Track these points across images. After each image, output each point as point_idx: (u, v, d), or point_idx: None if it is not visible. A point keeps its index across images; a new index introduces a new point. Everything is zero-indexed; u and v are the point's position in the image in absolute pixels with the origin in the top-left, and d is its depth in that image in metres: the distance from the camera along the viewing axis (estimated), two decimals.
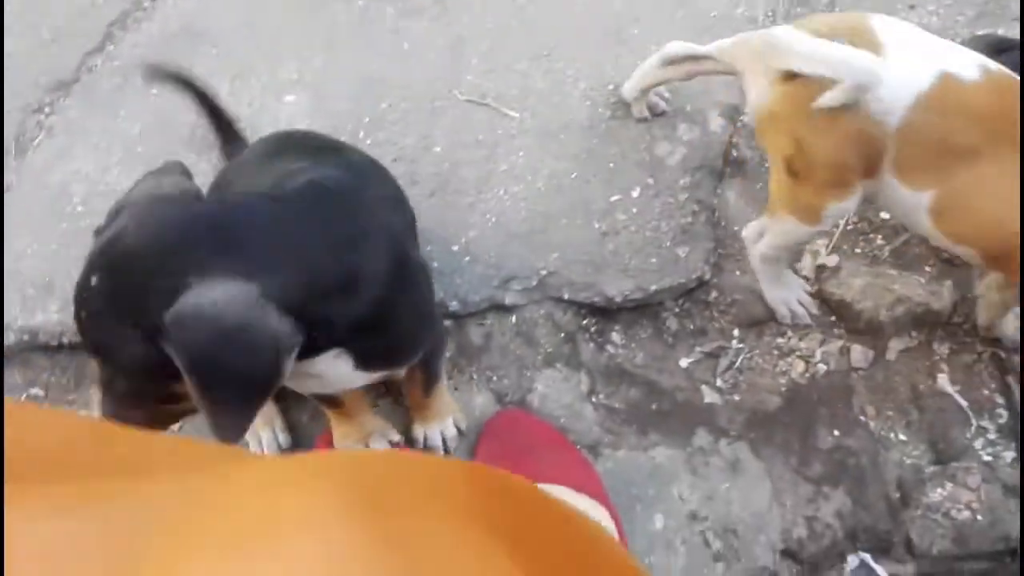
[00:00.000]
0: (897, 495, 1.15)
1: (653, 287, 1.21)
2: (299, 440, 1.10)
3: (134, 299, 0.62)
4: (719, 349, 1.24)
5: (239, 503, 0.31)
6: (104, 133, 1.25)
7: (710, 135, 1.33)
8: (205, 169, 1.24)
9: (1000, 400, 1.18)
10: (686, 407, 1.19)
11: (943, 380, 1.20)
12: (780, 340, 1.25)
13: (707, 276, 1.25)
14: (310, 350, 0.70)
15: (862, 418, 1.20)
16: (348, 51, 1.39)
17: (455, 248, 1.22)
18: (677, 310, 1.26)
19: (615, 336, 1.24)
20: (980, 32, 1.40)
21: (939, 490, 1.12)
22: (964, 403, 1.18)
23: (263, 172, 0.86)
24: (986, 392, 1.19)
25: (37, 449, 0.35)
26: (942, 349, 1.22)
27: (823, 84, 0.92)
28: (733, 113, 1.36)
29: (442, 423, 1.10)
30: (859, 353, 1.24)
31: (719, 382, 1.22)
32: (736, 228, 1.31)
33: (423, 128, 1.31)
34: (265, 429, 1.07)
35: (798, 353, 1.24)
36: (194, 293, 0.61)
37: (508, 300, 1.21)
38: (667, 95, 1.34)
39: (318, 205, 0.74)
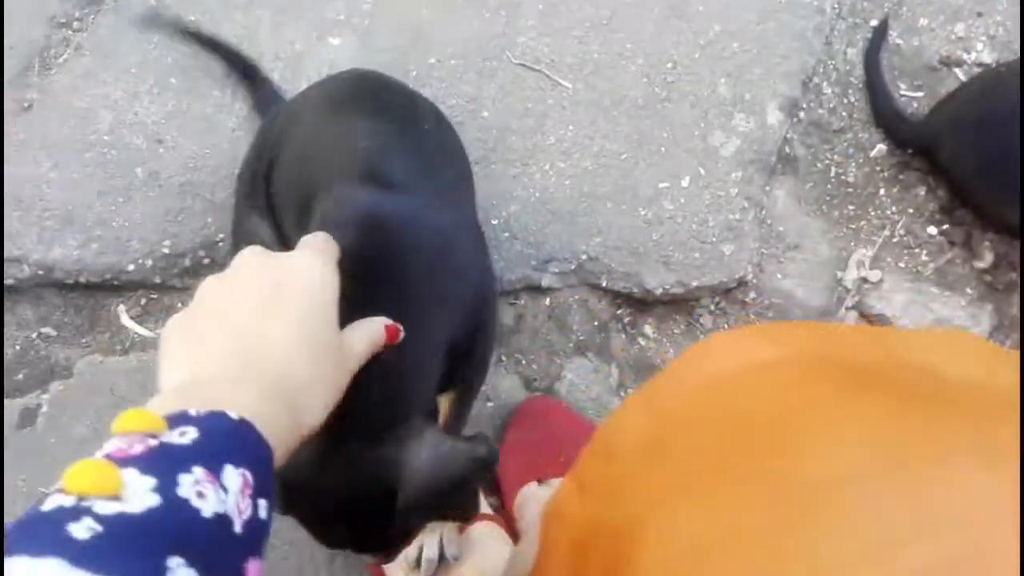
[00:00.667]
0: None
1: (694, 283, 1.17)
2: None
3: None
4: None
5: None
6: (136, 58, 1.18)
7: (766, 128, 1.28)
8: (239, 108, 1.18)
9: None
10: None
11: None
12: None
13: (749, 277, 1.21)
14: None
15: None
16: None
17: (495, 222, 1.17)
18: (712, 307, 1.22)
19: (648, 328, 1.20)
20: None
21: None
22: None
23: (333, 139, 0.82)
24: None
25: None
26: None
27: None
28: (792, 107, 1.31)
29: (445, 530, 0.94)
30: None
31: None
32: (781, 229, 1.27)
33: (471, 89, 1.24)
34: None
35: None
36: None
37: (544, 282, 1.16)
38: (723, 81, 1.28)
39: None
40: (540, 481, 1.02)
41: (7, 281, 1.08)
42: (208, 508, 0.39)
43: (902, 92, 1.39)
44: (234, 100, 1.17)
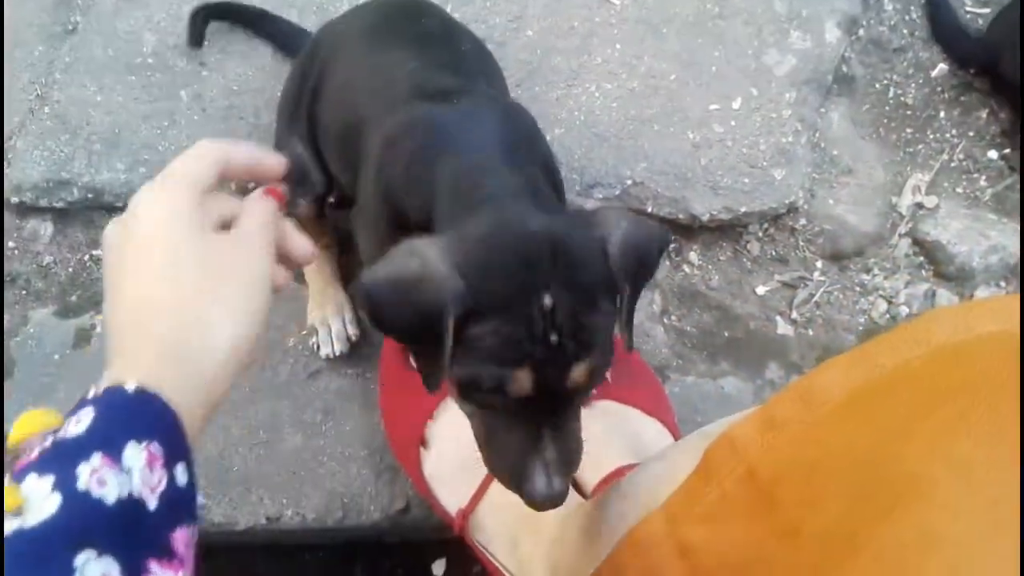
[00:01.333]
0: None
1: (743, 209, 1.14)
2: (367, 330, 1.07)
3: (591, 274, 0.63)
4: (799, 280, 1.19)
5: None
6: None
7: (824, 46, 1.22)
8: None
9: None
10: (758, 337, 1.15)
11: None
12: (865, 277, 1.19)
13: (800, 203, 1.18)
14: None
15: None
16: None
17: None
18: (760, 234, 1.20)
19: (693, 256, 1.19)
20: None
21: None
22: None
23: (376, 69, 0.83)
24: None
25: None
26: None
27: None
28: (851, 25, 1.25)
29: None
30: (944, 299, 1.19)
31: (795, 314, 1.17)
32: (835, 152, 1.23)
33: (514, 7, 1.21)
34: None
35: (881, 292, 1.19)
36: (612, 237, 0.64)
37: (589, 207, 1.15)
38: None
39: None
40: (585, 405, 1.02)
41: (58, 204, 1.10)
42: (111, 494, 0.39)
43: (967, 8, 1.32)
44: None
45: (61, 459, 0.40)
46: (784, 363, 1.13)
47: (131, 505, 0.39)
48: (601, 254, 0.63)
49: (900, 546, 0.38)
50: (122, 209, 1.09)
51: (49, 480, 0.38)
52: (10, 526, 0.36)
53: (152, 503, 0.40)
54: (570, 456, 0.67)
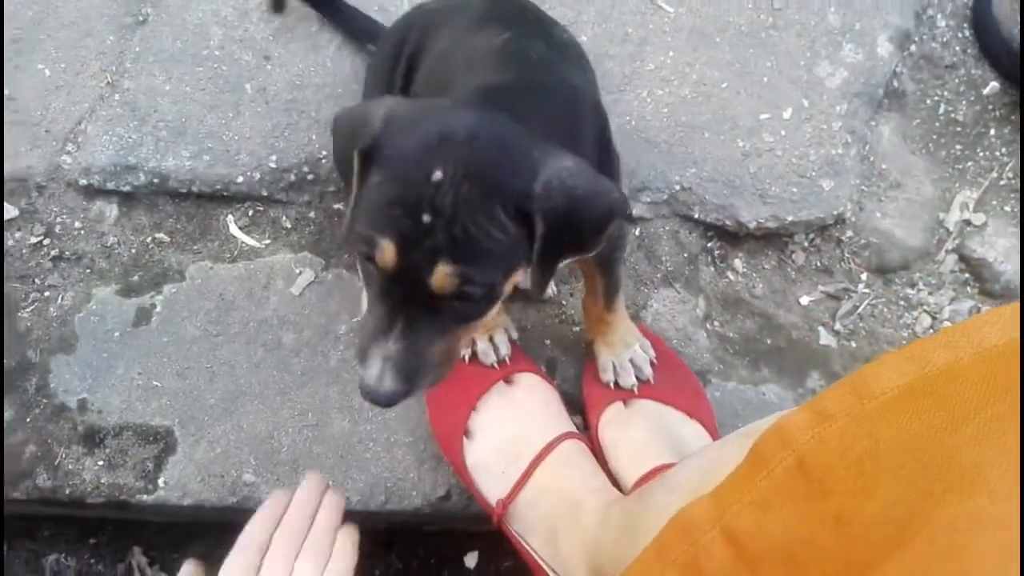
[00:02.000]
0: None
1: (789, 218, 1.16)
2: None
3: (500, 181, 0.61)
4: (843, 291, 1.20)
5: None
6: None
7: (876, 60, 1.23)
8: None
9: None
10: (800, 346, 1.16)
11: None
12: (910, 291, 1.20)
13: (847, 214, 1.18)
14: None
15: None
16: None
17: None
18: (806, 244, 1.21)
19: (737, 263, 1.20)
20: None
21: None
22: None
23: (472, 46, 0.85)
24: None
25: None
26: None
27: None
28: (904, 40, 1.26)
29: (630, 349, 1.02)
30: None
31: (838, 325, 1.18)
32: (884, 166, 1.23)
33: (570, 11, 1.23)
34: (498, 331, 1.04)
35: (925, 307, 1.19)
36: (551, 167, 0.62)
37: (636, 211, 1.16)
38: (833, 9, 1.23)
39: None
40: (625, 403, 1.04)
41: (124, 188, 1.14)
42: None
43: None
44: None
45: None
46: (826, 373, 1.14)
47: None
48: (526, 174, 0.61)
49: (953, 530, 0.40)
50: (187, 195, 1.14)
51: None
52: None
53: None
54: (412, 363, 0.64)
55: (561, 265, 0.68)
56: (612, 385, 1.02)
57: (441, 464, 1.05)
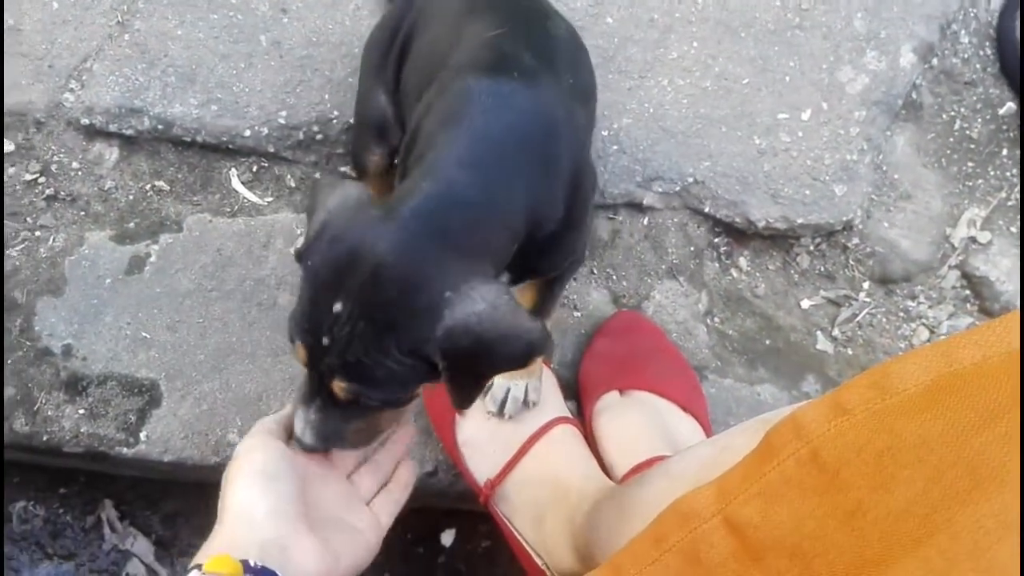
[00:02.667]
0: None
1: (799, 220, 1.15)
2: None
3: (397, 323, 0.63)
4: (844, 298, 1.19)
5: None
6: None
7: (897, 70, 1.22)
8: None
9: None
10: (798, 349, 1.16)
11: None
12: (910, 303, 1.20)
13: (856, 221, 1.18)
14: None
15: None
16: None
17: (605, 134, 1.15)
18: (812, 248, 1.20)
19: (743, 261, 1.19)
20: None
21: None
22: None
23: (463, 33, 0.82)
24: None
25: None
26: None
27: None
28: (927, 52, 1.25)
29: (532, 378, 0.97)
30: None
31: (836, 332, 1.18)
32: (896, 176, 1.23)
33: None
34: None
35: (924, 321, 1.19)
36: (460, 312, 0.62)
37: (646, 201, 1.15)
38: (860, 15, 1.22)
39: (517, 140, 0.72)
40: (621, 391, 1.03)
41: (126, 131, 1.11)
42: None
43: None
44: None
45: None
46: (821, 377, 1.14)
47: None
48: (428, 319, 0.62)
49: (978, 528, 0.40)
50: (191, 144, 1.12)
51: None
52: None
53: None
54: (327, 431, 0.70)
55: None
56: (494, 413, 0.97)
57: (430, 440, 1.04)
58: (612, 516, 0.80)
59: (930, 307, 1.20)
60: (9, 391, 1.02)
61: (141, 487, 1.23)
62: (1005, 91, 1.29)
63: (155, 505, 1.25)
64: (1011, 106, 1.28)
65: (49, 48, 1.12)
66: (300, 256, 0.67)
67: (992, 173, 1.26)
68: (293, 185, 1.13)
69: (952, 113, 1.28)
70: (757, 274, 1.19)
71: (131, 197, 1.11)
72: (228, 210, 1.11)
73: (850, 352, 1.17)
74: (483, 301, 0.62)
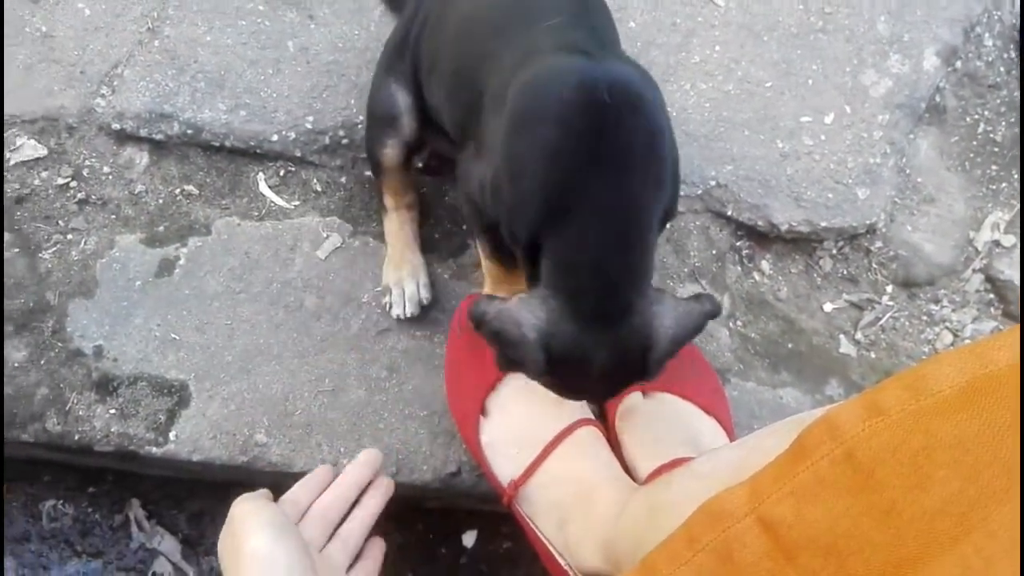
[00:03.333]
0: None
1: (822, 224, 1.15)
2: (439, 296, 1.09)
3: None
4: (867, 301, 1.19)
5: None
6: None
7: (921, 73, 1.22)
8: None
9: None
10: (820, 352, 1.16)
11: None
12: (933, 307, 1.19)
13: (879, 225, 1.18)
14: None
15: None
16: None
17: None
18: (834, 251, 1.20)
19: (765, 264, 1.19)
20: None
21: None
22: None
23: (508, 15, 0.83)
24: None
25: None
26: None
27: None
28: (950, 55, 1.25)
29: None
30: None
31: (859, 335, 1.17)
32: (919, 180, 1.23)
33: None
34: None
35: (948, 324, 1.19)
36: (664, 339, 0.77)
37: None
38: (883, 18, 1.22)
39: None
40: (644, 393, 1.04)
41: (156, 136, 1.13)
42: None
43: None
44: None
45: None
46: (844, 381, 1.14)
47: None
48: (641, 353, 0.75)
49: (1015, 526, 0.40)
50: (219, 149, 1.13)
51: None
52: None
53: None
54: None
55: None
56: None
57: (454, 440, 1.04)
58: (639, 517, 0.81)
59: (953, 311, 1.20)
60: (42, 391, 1.04)
61: (168, 487, 1.25)
62: None
63: (181, 504, 1.27)
64: None
65: (81, 54, 1.15)
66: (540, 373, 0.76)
67: (1016, 176, 1.25)
68: (319, 189, 1.14)
69: (976, 116, 1.27)
70: (779, 277, 1.19)
71: (161, 201, 1.13)
72: (256, 214, 1.12)
73: (873, 356, 1.17)
74: (665, 321, 0.75)
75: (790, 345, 1.15)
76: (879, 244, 1.20)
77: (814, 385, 1.13)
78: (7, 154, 1.12)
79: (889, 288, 1.20)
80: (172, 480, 1.22)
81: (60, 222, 1.12)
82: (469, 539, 1.32)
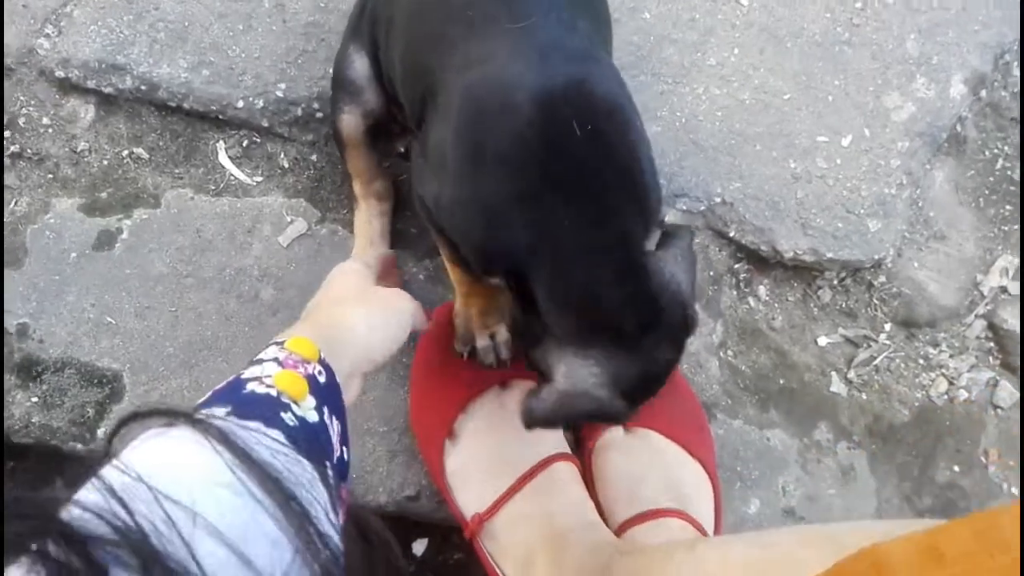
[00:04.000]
0: None
1: (828, 255, 1.07)
2: None
3: None
4: (863, 338, 1.12)
5: None
6: None
7: (946, 100, 1.14)
8: None
9: None
10: (811, 390, 1.09)
11: None
12: (931, 350, 1.13)
13: (888, 260, 1.10)
14: None
15: (983, 459, 1.11)
16: None
17: None
18: (835, 282, 1.13)
19: (762, 290, 1.11)
20: None
21: None
22: None
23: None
24: None
25: None
26: None
27: None
28: (978, 83, 1.16)
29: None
30: (1006, 391, 1.13)
31: (851, 374, 1.11)
32: (931, 214, 1.15)
33: None
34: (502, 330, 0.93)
35: (944, 371, 1.13)
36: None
37: (668, 218, 1.06)
38: (913, 36, 1.13)
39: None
40: (626, 428, 0.96)
41: (105, 89, 1.00)
42: (333, 435, 0.55)
43: None
44: None
45: (318, 391, 0.56)
46: (834, 425, 1.07)
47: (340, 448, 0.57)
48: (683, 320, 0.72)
49: None
50: (176, 110, 1.01)
51: (313, 401, 0.54)
52: (301, 411, 0.53)
53: (336, 457, 0.56)
54: None
55: None
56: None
57: (415, 461, 0.96)
58: None
59: (951, 356, 1.13)
60: None
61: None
62: None
63: None
64: None
65: None
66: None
67: None
68: (286, 166, 1.02)
69: (995, 151, 1.20)
70: (775, 305, 1.12)
71: (105, 163, 1.00)
72: (212, 187, 1.00)
73: (864, 397, 1.10)
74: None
75: (781, 381, 1.08)
76: (882, 279, 1.13)
77: (803, 429, 1.06)
78: None
79: (887, 326, 1.13)
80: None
81: None
82: (419, 547, 1.24)
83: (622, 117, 0.68)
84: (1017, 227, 1.18)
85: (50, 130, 1.00)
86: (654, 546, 0.80)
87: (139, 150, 1.01)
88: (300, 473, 0.47)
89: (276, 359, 0.57)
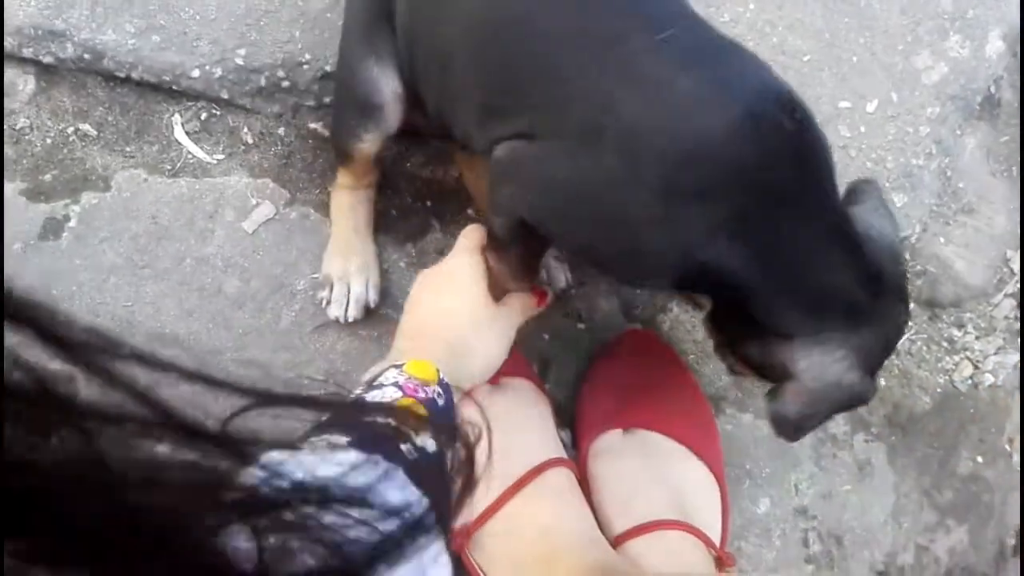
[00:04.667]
0: (1013, 542, 1.02)
1: None
2: (390, 289, 0.90)
3: None
4: None
5: None
6: None
7: (981, 59, 1.03)
8: None
9: None
10: None
11: None
12: (955, 332, 1.05)
13: (913, 237, 1.01)
14: None
15: (1007, 448, 1.04)
16: None
17: None
18: None
19: None
20: None
21: None
22: None
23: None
24: None
25: None
26: None
27: None
28: (1015, 40, 1.06)
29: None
30: None
31: None
32: (961, 185, 1.06)
33: None
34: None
35: (969, 354, 1.05)
36: None
37: None
38: None
39: None
40: (624, 430, 0.88)
41: (45, 59, 0.89)
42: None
43: None
44: None
45: (436, 418, 0.58)
46: (851, 416, 1.00)
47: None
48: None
49: None
50: (125, 80, 0.90)
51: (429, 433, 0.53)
52: (420, 441, 0.52)
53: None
54: None
55: None
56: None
57: None
58: None
59: (977, 338, 1.05)
60: None
61: None
62: None
63: None
64: None
65: None
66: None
67: None
68: (250, 141, 0.92)
69: None
70: None
71: (49, 141, 0.90)
72: (168, 167, 0.91)
73: (883, 384, 1.02)
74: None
75: None
76: (906, 256, 1.04)
77: None
78: None
79: (910, 307, 1.04)
80: None
81: None
82: None
83: (803, 111, 0.66)
84: None
85: None
86: None
87: (86, 126, 0.90)
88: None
89: (396, 383, 0.59)
